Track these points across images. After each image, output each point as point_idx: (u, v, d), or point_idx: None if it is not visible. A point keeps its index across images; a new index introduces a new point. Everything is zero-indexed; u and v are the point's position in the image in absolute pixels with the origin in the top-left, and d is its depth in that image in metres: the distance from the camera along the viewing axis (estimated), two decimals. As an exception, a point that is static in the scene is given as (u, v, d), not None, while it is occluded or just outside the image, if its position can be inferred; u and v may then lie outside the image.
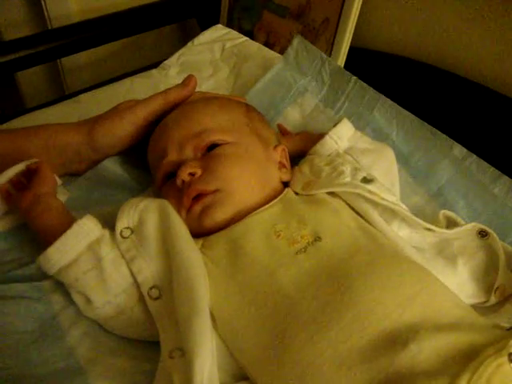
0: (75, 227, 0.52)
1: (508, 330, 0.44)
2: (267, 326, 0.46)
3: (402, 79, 0.91)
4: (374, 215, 0.55)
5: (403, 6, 0.93)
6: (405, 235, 0.57)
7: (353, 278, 0.46)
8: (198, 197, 0.56)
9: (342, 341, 0.42)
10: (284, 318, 0.46)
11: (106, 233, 0.54)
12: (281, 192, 0.61)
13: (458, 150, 0.70)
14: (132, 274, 0.51)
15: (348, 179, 0.58)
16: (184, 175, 0.57)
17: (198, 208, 0.56)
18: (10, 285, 0.54)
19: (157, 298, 0.50)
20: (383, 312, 0.44)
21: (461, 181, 0.69)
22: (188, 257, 0.50)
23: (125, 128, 0.66)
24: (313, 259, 0.49)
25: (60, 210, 0.57)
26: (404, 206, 0.58)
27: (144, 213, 0.54)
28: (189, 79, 0.69)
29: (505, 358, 0.39)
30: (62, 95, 1.23)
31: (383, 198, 0.56)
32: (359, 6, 0.88)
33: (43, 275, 0.57)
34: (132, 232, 0.53)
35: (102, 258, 0.51)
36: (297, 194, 0.61)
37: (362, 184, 0.57)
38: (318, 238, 0.51)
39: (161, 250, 0.52)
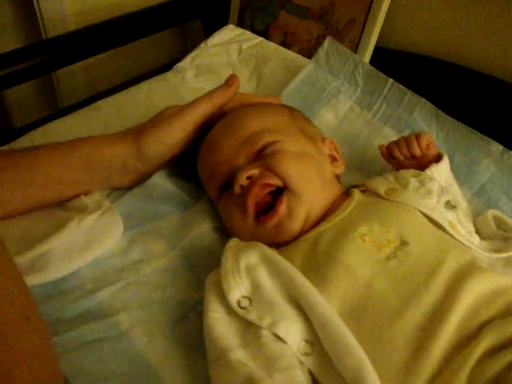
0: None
1: None
2: (367, 341, 0.45)
3: (427, 79, 0.91)
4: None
5: (430, 6, 0.92)
6: None
7: (452, 284, 0.47)
8: (267, 214, 0.55)
9: (457, 346, 0.43)
10: (387, 329, 0.45)
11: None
12: (338, 188, 0.61)
13: (495, 147, 0.72)
14: (281, 340, 0.46)
15: (434, 201, 0.57)
16: (242, 180, 0.55)
17: (271, 223, 0.55)
18: (85, 327, 0.51)
19: (309, 354, 0.46)
20: (485, 316, 0.45)
21: (502, 177, 0.71)
22: (325, 309, 0.46)
23: (174, 135, 0.63)
24: (405, 265, 0.49)
25: None
26: (476, 241, 0.59)
27: (251, 273, 0.50)
28: (232, 79, 0.67)
29: None
30: (55, 98, 1.18)
31: (459, 234, 0.56)
32: (387, 7, 0.88)
33: (114, 301, 0.54)
34: (250, 300, 0.49)
35: (260, 336, 0.47)
36: (363, 191, 0.61)
37: (445, 210, 0.58)
38: (404, 242, 0.51)
39: (291, 305, 0.48)
